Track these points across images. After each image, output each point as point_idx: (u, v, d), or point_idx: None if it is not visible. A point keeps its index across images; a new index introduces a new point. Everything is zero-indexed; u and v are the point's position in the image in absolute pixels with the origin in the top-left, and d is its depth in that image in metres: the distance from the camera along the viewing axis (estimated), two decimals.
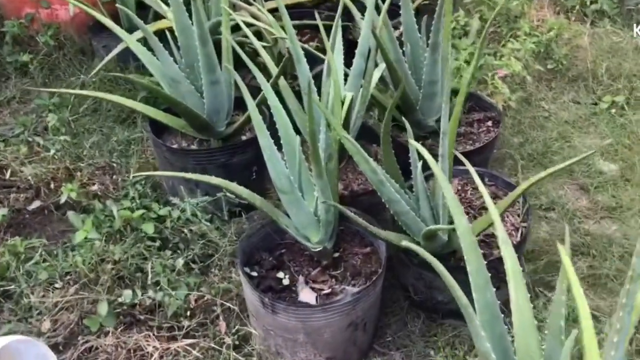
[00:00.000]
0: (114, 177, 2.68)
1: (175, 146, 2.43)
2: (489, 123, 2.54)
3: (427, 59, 2.30)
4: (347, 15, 3.57)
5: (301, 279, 1.89)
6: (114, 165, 2.74)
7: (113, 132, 2.99)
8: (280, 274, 1.90)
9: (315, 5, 3.47)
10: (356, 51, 2.09)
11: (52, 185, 2.64)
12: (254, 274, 1.90)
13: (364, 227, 1.83)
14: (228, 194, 2.30)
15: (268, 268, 1.94)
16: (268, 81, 1.91)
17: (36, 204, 2.61)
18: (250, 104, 1.78)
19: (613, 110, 3.10)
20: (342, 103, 1.94)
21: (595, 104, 3.22)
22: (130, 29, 3.36)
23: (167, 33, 2.38)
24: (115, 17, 3.41)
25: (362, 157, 1.81)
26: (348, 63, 2.32)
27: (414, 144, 1.67)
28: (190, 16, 2.31)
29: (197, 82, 2.37)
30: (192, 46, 2.33)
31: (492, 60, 3.18)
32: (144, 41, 2.51)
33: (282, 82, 2.28)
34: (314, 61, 3.09)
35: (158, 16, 3.23)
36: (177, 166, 2.37)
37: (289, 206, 1.87)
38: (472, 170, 1.67)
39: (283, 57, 2.81)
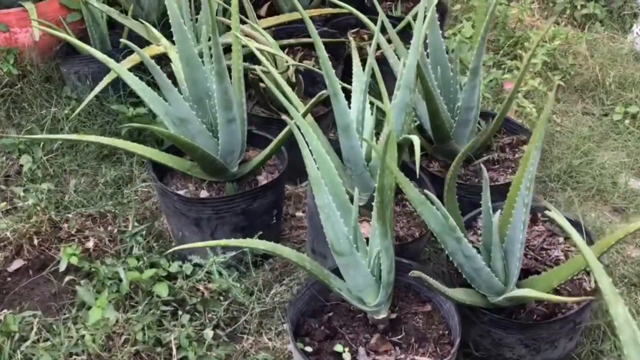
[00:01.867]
0: (109, 228, 2.36)
1: (186, 193, 2.14)
2: (525, 148, 2.34)
3: (466, 84, 2.09)
4: (332, 26, 3.35)
5: (362, 350, 1.65)
6: (107, 213, 2.41)
7: (98, 171, 2.66)
8: (338, 347, 1.65)
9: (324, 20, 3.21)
10: (400, 83, 1.85)
11: (35, 241, 2.30)
12: (308, 348, 1.64)
13: (436, 289, 1.60)
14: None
15: (321, 339, 1.69)
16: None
17: (18, 263, 2.28)
18: (311, 164, 1.52)
19: (627, 122, 2.97)
20: (399, 147, 1.71)
21: (606, 114, 3.09)
22: (104, 51, 3.03)
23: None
24: (84, 40, 3.07)
25: (432, 212, 1.58)
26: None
27: (553, 214, 1.43)
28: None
29: (206, 120, 2.08)
30: (200, 79, 2.04)
31: (501, 73, 3.01)
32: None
33: (310, 120, 2.02)
34: (313, 81, 2.85)
35: (131, 39, 2.91)
36: (190, 217, 2.08)
37: (345, 269, 1.62)
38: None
39: (293, 84, 2.57)
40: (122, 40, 1.88)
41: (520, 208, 1.57)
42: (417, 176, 1.77)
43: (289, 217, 2.47)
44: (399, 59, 2.34)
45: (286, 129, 2.05)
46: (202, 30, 2.74)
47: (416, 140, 1.54)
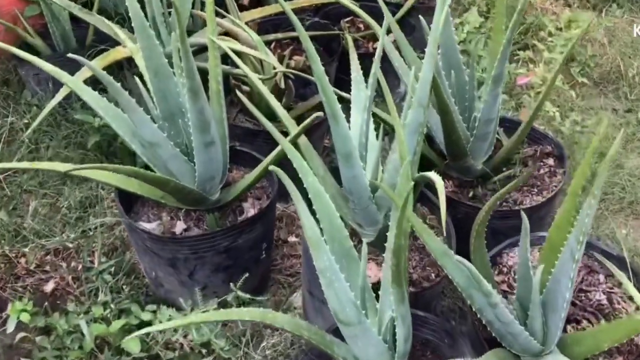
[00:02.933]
0: (72, 263, 2.03)
1: (159, 225, 1.82)
2: (551, 161, 2.03)
3: (487, 94, 1.77)
4: (323, 15, 3.01)
5: None
6: (70, 245, 2.08)
7: (61, 192, 2.33)
8: None
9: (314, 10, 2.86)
10: (412, 99, 1.52)
11: None
12: None
13: None
14: (239, 292, 1.72)
15: None
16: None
17: None
18: (308, 222, 1.21)
19: None
20: (415, 185, 1.39)
21: (630, 110, 2.78)
22: (67, 50, 2.68)
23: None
24: (44, 36, 2.72)
25: (457, 266, 1.28)
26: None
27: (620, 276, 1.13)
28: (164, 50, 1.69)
29: (179, 140, 1.76)
30: (172, 93, 1.72)
31: (513, 67, 2.69)
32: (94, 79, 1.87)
33: (303, 141, 1.70)
34: (305, 82, 2.52)
35: (99, 36, 2.57)
36: (164, 257, 1.76)
37: (352, 339, 1.32)
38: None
39: (282, 91, 2.24)
40: (70, 55, 1.54)
41: (569, 263, 1.27)
42: (444, 233, 1.46)
43: (280, 244, 2.16)
44: (400, 53, 2.02)
45: (276, 150, 1.72)
46: (175, 27, 2.40)
47: (439, 183, 1.23)
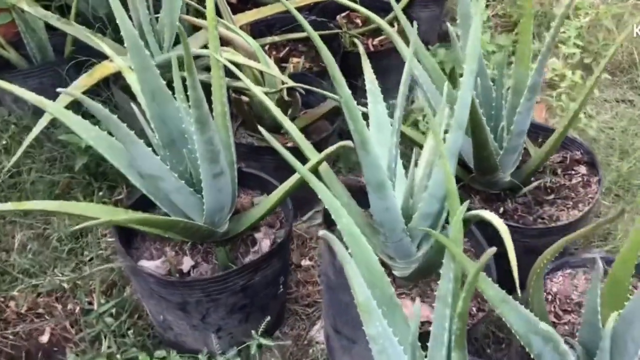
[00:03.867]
0: (69, 306, 1.85)
1: (163, 263, 1.64)
2: (582, 169, 1.89)
3: (521, 105, 1.61)
4: (320, 12, 2.82)
5: None
6: (64, 284, 1.90)
7: (48, 221, 2.13)
8: None
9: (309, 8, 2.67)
10: (451, 122, 1.36)
11: None
12: None
13: None
14: (262, 340, 1.56)
15: None
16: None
17: None
18: (357, 283, 1.05)
19: None
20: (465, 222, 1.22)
21: None
22: (45, 62, 2.47)
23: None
24: (18, 46, 2.50)
25: (519, 314, 1.13)
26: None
27: None
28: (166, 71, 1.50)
29: (182, 168, 1.58)
30: (172, 117, 1.54)
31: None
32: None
33: (324, 168, 1.53)
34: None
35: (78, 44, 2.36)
36: (172, 301, 1.59)
37: None
38: None
39: (287, 102, 2.06)
40: (59, 90, 1.34)
41: None
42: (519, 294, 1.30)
43: (293, 269, 2.00)
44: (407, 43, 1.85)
45: (294, 179, 1.55)
46: (164, 34, 2.21)
47: (503, 229, 1.07)
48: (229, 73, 1.70)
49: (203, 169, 1.48)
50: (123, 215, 1.44)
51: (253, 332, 1.56)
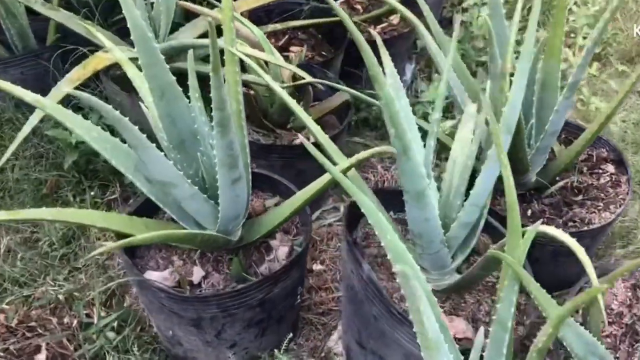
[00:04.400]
0: (65, 319, 1.70)
1: (172, 274, 1.50)
2: (610, 168, 1.80)
3: (559, 103, 1.50)
4: None
5: None
6: (60, 295, 1.75)
7: (36, 223, 1.97)
8: None
9: None
10: (500, 125, 1.24)
11: None
12: None
13: None
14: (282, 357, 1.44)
15: None
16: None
17: None
18: (433, 328, 0.93)
19: None
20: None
21: None
22: (26, 50, 2.30)
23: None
24: None
25: (582, 337, 1.03)
26: None
27: None
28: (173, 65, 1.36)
29: (192, 171, 1.44)
30: (182, 116, 1.40)
31: None
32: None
33: (352, 173, 1.41)
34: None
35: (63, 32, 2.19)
36: (184, 317, 1.46)
37: None
38: None
39: (299, 99, 1.93)
40: (69, 91, 1.18)
41: None
42: None
43: (305, 274, 1.88)
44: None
45: (319, 185, 1.42)
46: (160, 21, 2.05)
47: (577, 248, 0.96)
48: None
49: (221, 174, 1.34)
50: (145, 234, 1.30)
51: (276, 351, 1.44)
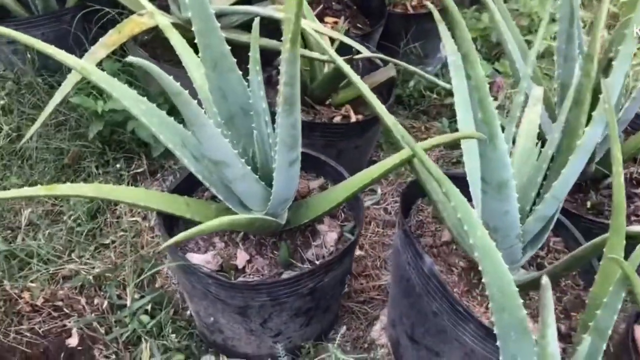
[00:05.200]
0: (95, 300, 1.61)
1: (214, 257, 1.41)
2: None
3: (638, 90, 1.41)
4: None
5: None
6: (87, 273, 1.65)
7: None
8: None
9: None
10: (598, 113, 1.14)
11: None
12: None
13: None
14: (340, 355, 1.36)
15: None
16: None
17: None
18: None
19: None
20: None
21: None
22: (47, 12, 2.16)
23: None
24: None
25: None
26: None
27: None
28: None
29: (240, 149, 1.34)
30: (234, 90, 1.30)
31: None
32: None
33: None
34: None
35: None
36: (231, 304, 1.36)
37: None
38: None
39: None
40: (130, 59, 1.06)
41: None
42: None
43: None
44: None
45: (383, 168, 1.31)
46: None
47: None
48: None
49: (280, 155, 1.24)
50: (216, 221, 1.20)
51: (330, 345, 1.35)
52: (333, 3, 2.38)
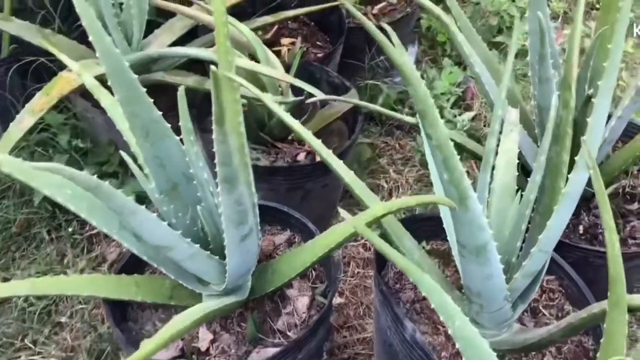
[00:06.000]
0: None
1: (172, 349, 1.26)
2: None
3: (623, 108, 1.26)
4: None
5: None
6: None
7: (7, 266, 1.71)
8: None
9: None
10: (580, 160, 0.99)
11: None
12: None
13: None
14: None
15: None
16: None
17: None
18: None
19: None
20: None
21: None
22: None
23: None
24: None
25: None
26: None
27: None
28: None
29: (188, 221, 1.19)
30: (172, 156, 1.14)
31: None
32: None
33: (388, 217, 1.16)
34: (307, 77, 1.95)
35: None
36: None
37: None
38: None
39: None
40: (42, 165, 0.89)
41: None
42: None
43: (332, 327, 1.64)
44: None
45: (347, 232, 1.16)
46: (132, 26, 1.76)
47: None
48: None
49: (229, 233, 1.09)
50: (186, 321, 1.05)
51: None
52: (289, 22, 2.22)
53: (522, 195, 1.11)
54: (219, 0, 1.12)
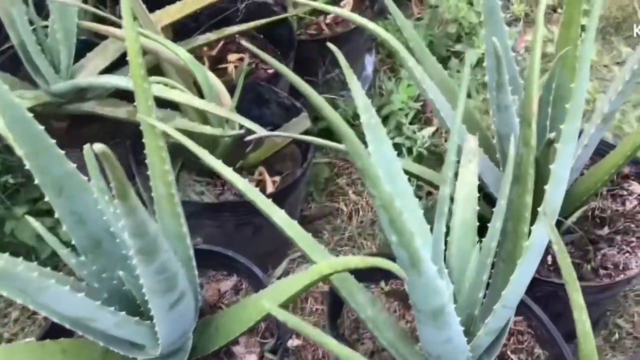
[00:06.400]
0: None
1: None
2: (636, 187, 1.48)
3: (588, 136, 1.16)
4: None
5: None
6: None
7: None
8: None
9: None
10: (541, 209, 0.88)
11: None
12: None
13: None
14: None
15: None
16: None
17: None
18: None
19: None
20: None
21: None
22: None
23: None
24: None
25: None
26: None
27: None
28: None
29: (115, 281, 1.06)
30: (91, 211, 1.01)
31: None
32: None
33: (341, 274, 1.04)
34: (258, 99, 1.83)
35: None
36: None
37: None
38: None
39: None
40: None
41: None
42: None
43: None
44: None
45: (296, 288, 1.05)
46: (59, 51, 1.61)
47: None
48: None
49: (154, 304, 0.96)
50: None
51: None
52: (236, 36, 2.08)
53: (482, 244, 1.00)
54: (130, 26, 0.99)
